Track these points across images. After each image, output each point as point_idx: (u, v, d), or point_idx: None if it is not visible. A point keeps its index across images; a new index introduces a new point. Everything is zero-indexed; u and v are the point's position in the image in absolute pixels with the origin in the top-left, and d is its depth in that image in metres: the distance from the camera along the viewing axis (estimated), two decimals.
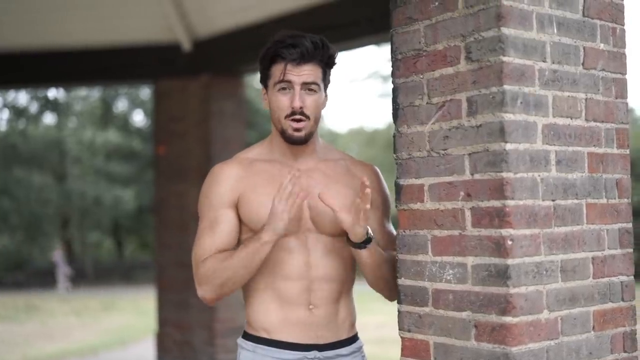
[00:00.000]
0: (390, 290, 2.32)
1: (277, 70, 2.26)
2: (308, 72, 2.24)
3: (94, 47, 6.50)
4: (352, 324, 2.39)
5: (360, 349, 2.40)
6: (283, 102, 2.25)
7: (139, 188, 23.43)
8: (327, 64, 2.30)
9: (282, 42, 2.26)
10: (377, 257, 2.24)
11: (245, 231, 2.29)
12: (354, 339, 2.38)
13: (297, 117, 2.23)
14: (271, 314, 2.28)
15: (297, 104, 2.23)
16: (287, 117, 2.25)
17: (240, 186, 2.29)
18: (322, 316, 2.28)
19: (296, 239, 2.27)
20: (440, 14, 2.01)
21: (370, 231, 2.20)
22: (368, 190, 2.11)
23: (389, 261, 2.28)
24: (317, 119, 2.30)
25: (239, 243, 2.29)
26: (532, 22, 1.92)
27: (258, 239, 2.16)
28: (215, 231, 2.28)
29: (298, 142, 2.28)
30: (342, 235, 2.27)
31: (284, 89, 2.25)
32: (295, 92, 2.23)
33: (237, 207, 2.29)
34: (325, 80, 2.31)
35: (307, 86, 2.24)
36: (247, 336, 2.34)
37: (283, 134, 2.28)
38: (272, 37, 2.30)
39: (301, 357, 2.26)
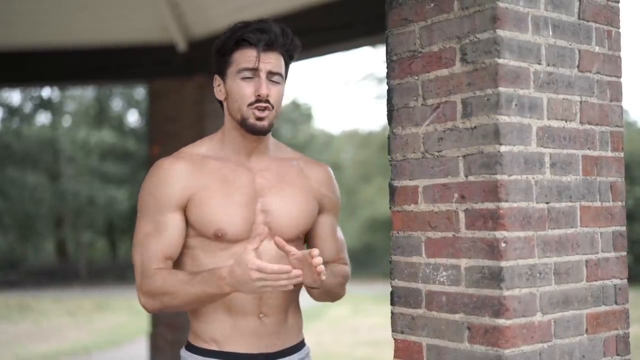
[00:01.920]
0: (333, 299, 2.30)
1: (241, 56, 2.16)
2: (274, 61, 2.16)
3: (89, 47, 6.49)
4: (300, 329, 2.32)
5: (308, 354, 2.34)
6: (246, 89, 2.14)
7: (133, 188, 23.38)
8: (290, 56, 2.22)
9: (248, 26, 2.16)
10: (322, 291, 2.19)
11: (193, 235, 2.16)
12: (301, 344, 2.32)
13: (263, 105, 2.13)
14: (221, 323, 2.17)
15: (264, 91, 2.12)
16: (250, 105, 2.14)
17: (191, 186, 2.14)
18: (272, 324, 2.20)
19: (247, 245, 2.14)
20: (436, 15, 2.01)
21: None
22: (323, 277, 2.02)
23: (333, 283, 2.23)
24: (279, 111, 2.21)
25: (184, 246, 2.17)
26: (527, 24, 1.92)
27: (219, 287, 2.01)
28: (163, 237, 2.13)
29: (260, 133, 2.17)
30: (294, 240, 2.21)
31: (248, 77, 2.15)
32: (262, 80, 2.14)
33: (185, 208, 2.15)
34: (286, 72, 2.23)
35: (271, 76, 2.16)
36: (193, 348, 2.21)
37: (243, 123, 2.16)
38: (231, 25, 2.20)
39: None
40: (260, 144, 2.23)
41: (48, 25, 6.48)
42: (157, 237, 2.13)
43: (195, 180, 2.15)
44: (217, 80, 2.24)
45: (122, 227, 25.13)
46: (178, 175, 2.14)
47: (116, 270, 24.40)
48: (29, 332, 12.51)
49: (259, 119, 2.14)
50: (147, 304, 2.14)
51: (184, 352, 2.24)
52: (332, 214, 2.36)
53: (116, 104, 25.41)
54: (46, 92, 24.29)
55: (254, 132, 2.16)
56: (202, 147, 2.24)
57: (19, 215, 23.12)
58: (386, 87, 2.16)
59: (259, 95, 2.13)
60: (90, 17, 6.38)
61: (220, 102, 2.27)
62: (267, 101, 2.14)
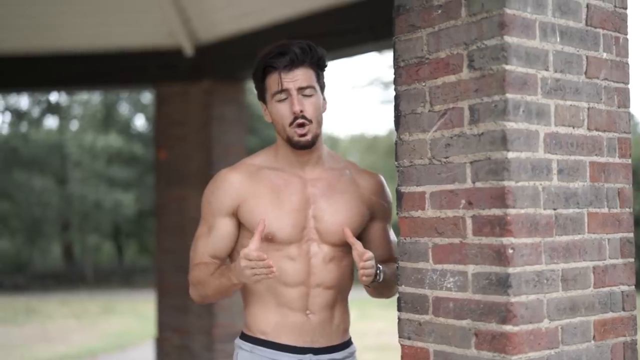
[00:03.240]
0: (387, 296, 2.46)
1: (271, 81, 2.30)
2: (301, 76, 2.28)
3: (96, 52, 6.50)
4: (346, 329, 2.44)
5: (353, 354, 2.45)
6: (283, 110, 2.29)
7: (139, 192, 23.40)
8: (319, 65, 2.33)
9: (270, 53, 2.30)
10: (379, 287, 2.33)
11: (248, 237, 2.31)
12: (347, 343, 2.43)
13: (300, 121, 2.27)
14: (270, 318, 2.33)
15: (296, 108, 2.26)
16: (290, 124, 2.27)
17: (242, 194, 2.32)
18: (318, 321, 2.33)
19: (298, 248, 2.31)
20: (443, 21, 2.01)
21: (379, 274, 2.27)
22: (365, 279, 2.23)
23: (389, 281, 2.34)
24: (320, 121, 2.33)
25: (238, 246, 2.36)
26: (535, 30, 1.92)
27: (229, 278, 2.23)
28: (211, 237, 2.36)
29: (306, 147, 2.30)
30: (343, 244, 2.32)
31: (282, 98, 2.28)
32: (293, 98, 2.27)
33: (237, 214, 2.33)
34: (320, 82, 2.34)
35: (302, 91, 2.28)
36: (245, 337, 2.39)
37: (290, 141, 2.30)
38: (260, 53, 2.34)
39: (297, 359, 2.32)
40: (312, 155, 2.37)
41: (56, 30, 6.49)
42: (207, 237, 2.37)
43: (247, 188, 2.33)
44: (262, 106, 2.39)
45: (128, 230, 25.17)
46: (231, 185, 2.34)
47: (122, 274, 24.43)
48: (35, 335, 12.52)
49: (302, 135, 2.28)
50: (192, 294, 2.41)
51: (238, 341, 2.41)
52: (384, 220, 2.48)
53: (123, 108, 25.46)
54: (54, 96, 24.34)
55: (300, 148, 2.31)
56: (258, 159, 2.42)
57: (26, 218, 23.16)
58: (393, 92, 2.16)
59: (294, 113, 2.27)
60: (97, 22, 6.39)
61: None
62: (304, 117, 2.27)
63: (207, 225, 2.38)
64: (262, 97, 2.37)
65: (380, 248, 2.44)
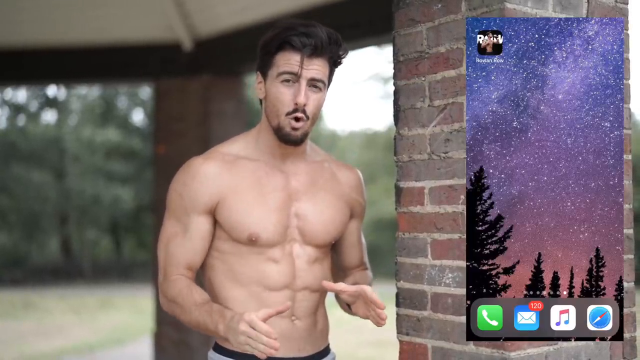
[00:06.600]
0: None
1: (283, 59, 2.07)
2: (317, 67, 2.07)
3: (94, 46, 6.50)
4: (327, 334, 2.29)
5: (334, 359, 2.30)
6: (285, 95, 2.07)
7: (138, 187, 23.41)
8: (335, 62, 2.14)
9: (293, 29, 2.06)
10: None
11: (225, 239, 2.13)
12: (327, 349, 2.28)
13: (299, 115, 2.07)
14: None
15: (302, 99, 2.05)
16: (288, 114, 2.08)
17: (221, 189, 2.10)
18: (303, 328, 2.17)
19: (281, 249, 2.13)
20: (443, 16, 2.00)
21: None
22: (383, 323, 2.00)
23: None
24: (315, 120, 2.14)
25: (212, 248, 2.15)
26: None
27: (216, 326, 2.00)
28: (187, 241, 2.12)
29: (293, 143, 2.11)
30: (326, 246, 2.19)
31: (287, 80, 2.07)
32: (301, 87, 2.06)
33: (214, 211, 2.12)
34: (330, 79, 2.15)
35: (313, 82, 2.07)
36: (222, 350, 2.15)
37: (278, 131, 2.10)
38: (279, 23, 2.11)
39: None
40: (298, 148, 2.18)
41: (54, 23, 6.49)
42: (182, 240, 2.13)
43: (226, 182, 2.11)
44: (258, 77, 2.16)
45: (126, 225, 25.16)
46: (207, 177, 2.10)
47: (120, 269, 24.43)
48: (33, 330, 12.52)
49: (294, 129, 2.09)
50: (163, 305, 2.16)
51: (212, 354, 2.18)
52: (360, 219, 2.32)
53: (122, 102, 25.43)
54: (52, 90, 24.31)
55: (287, 142, 2.11)
56: (235, 147, 2.19)
57: (24, 213, 23.16)
58: (392, 88, 2.15)
59: (296, 104, 2.06)
60: (96, 15, 6.39)
61: (260, 100, 2.21)
62: (304, 111, 2.07)
63: (179, 224, 2.12)
64: (263, 69, 2.13)
65: (355, 250, 2.30)
